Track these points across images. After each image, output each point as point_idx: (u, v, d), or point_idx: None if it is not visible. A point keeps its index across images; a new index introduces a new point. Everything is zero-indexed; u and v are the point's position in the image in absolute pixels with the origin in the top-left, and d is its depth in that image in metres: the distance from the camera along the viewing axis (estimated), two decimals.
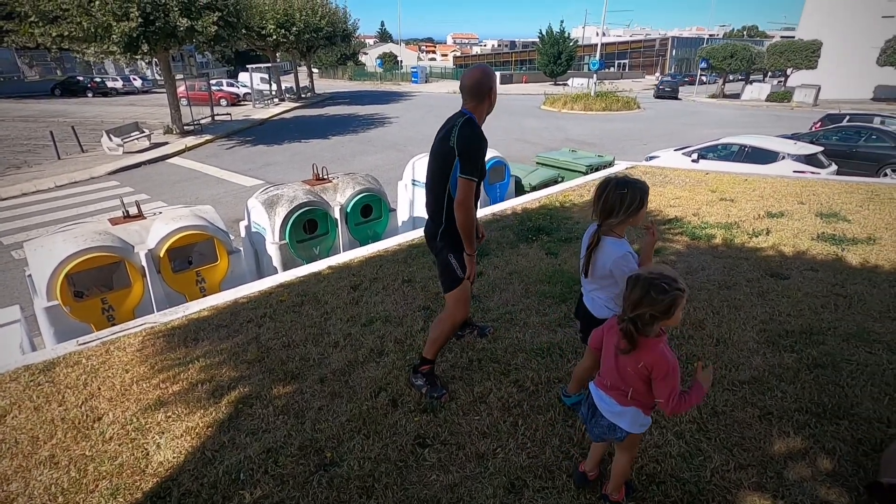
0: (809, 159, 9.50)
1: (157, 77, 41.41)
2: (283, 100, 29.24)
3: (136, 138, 15.82)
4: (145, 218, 4.56)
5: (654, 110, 26.00)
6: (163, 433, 2.50)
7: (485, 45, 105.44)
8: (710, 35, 62.31)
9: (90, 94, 33.67)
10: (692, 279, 3.98)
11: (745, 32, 76.36)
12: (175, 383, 2.93)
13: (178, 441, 2.43)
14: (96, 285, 4.26)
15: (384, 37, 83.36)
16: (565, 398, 2.53)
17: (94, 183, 12.19)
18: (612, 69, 53.16)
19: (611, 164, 9.07)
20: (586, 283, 2.22)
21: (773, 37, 58.54)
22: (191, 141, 16.88)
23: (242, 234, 5.65)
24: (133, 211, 4.63)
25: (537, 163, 9.19)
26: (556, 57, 41.94)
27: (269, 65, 27.80)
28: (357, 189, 5.56)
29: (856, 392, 2.51)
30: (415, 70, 48.87)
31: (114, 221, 4.49)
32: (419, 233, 5.56)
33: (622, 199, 1.97)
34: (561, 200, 6.56)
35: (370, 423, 2.47)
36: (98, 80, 35.19)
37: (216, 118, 21.25)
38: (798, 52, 29.24)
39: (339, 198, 5.56)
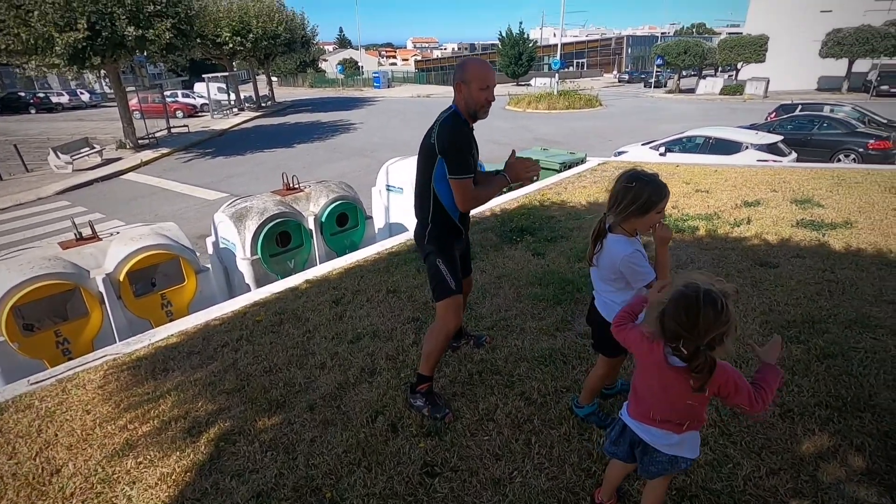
0: (771, 148, 9.78)
1: (107, 90, 39.65)
2: (242, 109, 28.42)
3: (87, 155, 14.97)
4: (101, 239, 4.19)
5: (616, 107, 26.52)
6: (134, 483, 2.20)
7: (445, 49, 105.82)
8: (662, 33, 64.36)
9: (33, 111, 31.90)
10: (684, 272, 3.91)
11: (694, 30, 79.29)
12: (145, 422, 2.62)
13: (153, 491, 2.14)
14: (48, 316, 3.87)
15: (343, 43, 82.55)
16: (577, 409, 2.37)
17: (41, 204, 11.43)
18: (571, 68, 54.14)
19: (583, 161, 9.08)
20: (598, 285, 2.07)
21: (720, 33, 60.90)
22: (146, 155, 16.12)
23: (210, 250, 5.30)
24: (87, 232, 4.23)
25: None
26: (517, 58, 42.39)
27: (227, 74, 26.97)
28: (331, 197, 5.30)
29: (870, 381, 2.45)
30: (376, 75, 48.49)
31: (65, 245, 4.09)
32: (398, 240, 5.34)
33: (626, 192, 1.79)
34: (540, 199, 6.46)
35: (370, 453, 2.24)
36: (41, 95, 33.37)
37: (172, 131, 20.40)
38: (747, 47, 30.44)
39: (313, 207, 5.28)
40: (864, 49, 25.92)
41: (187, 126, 21.75)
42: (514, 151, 2.47)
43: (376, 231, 6.59)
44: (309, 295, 4.14)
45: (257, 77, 31.83)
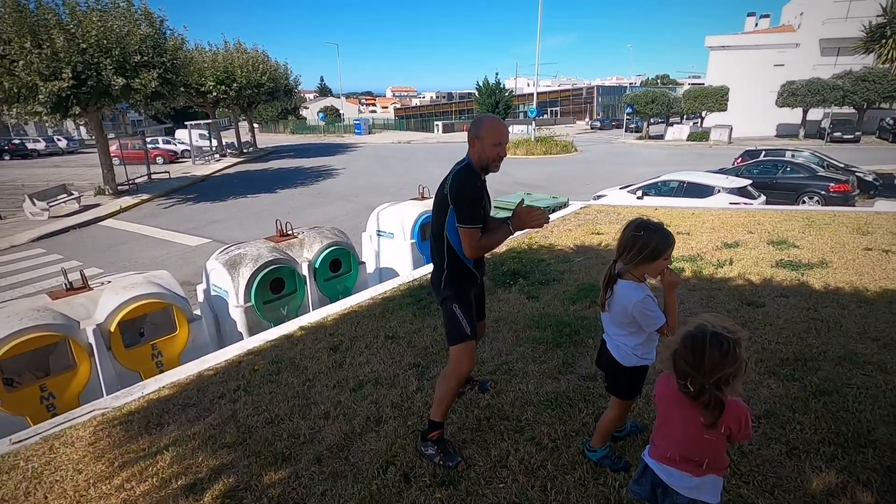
0: (741, 191, 10.27)
1: (85, 137, 39.48)
2: (224, 155, 28.55)
3: (64, 201, 14.73)
4: (92, 289, 4.10)
5: (591, 152, 27.59)
6: None
7: (423, 97, 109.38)
8: (630, 83, 68.05)
9: (7, 157, 31.39)
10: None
11: (658, 80, 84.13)
12: (143, 481, 2.51)
13: None
14: (30, 370, 3.72)
15: (324, 91, 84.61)
16: (590, 453, 2.37)
17: (14, 252, 11.10)
18: (546, 116, 56.43)
19: (566, 205, 9.36)
20: (610, 329, 2.13)
21: (683, 84, 64.81)
22: (126, 201, 15.96)
23: (200, 298, 5.22)
24: (77, 282, 4.15)
25: (495, 206, 9.32)
26: (493, 106, 44.03)
27: (209, 121, 27.24)
28: (325, 243, 5.33)
29: (867, 417, 2.53)
30: (358, 122, 49.61)
31: (55, 295, 3.99)
32: (391, 284, 5.36)
33: (634, 241, 1.89)
34: (528, 243, 6.61)
35: None
36: (17, 141, 32.97)
37: (153, 177, 20.31)
38: (709, 97, 32.38)
39: (307, 253, 5.30)
40: (816, 99, 27.86)
41: (168, 172, 21.71)
42: (522, 200, 2.56)
43: (368, 276, 6.60)
44: (305, 342, 4.09)
45: (239, 123, 32.21)
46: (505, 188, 15.79)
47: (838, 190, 11.69)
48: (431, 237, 2.48)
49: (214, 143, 28.20)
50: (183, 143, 29.05)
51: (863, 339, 3.36)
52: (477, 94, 46.17)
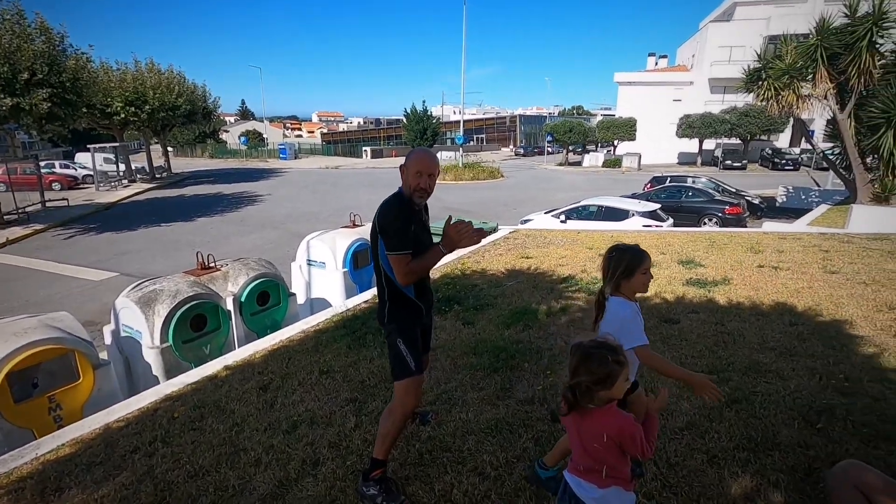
0: (652, 215, 11.17)
1: None
2: (133, 181, 26.55)
3: None
4: None
5: (515, 178, 28.79)
6: None
7: (351, 122, 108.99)
8: (549, 113, 72.36)
9: None
10: None
11: (574, 111, 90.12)
12: None
13: None
14: None
15: (246, 114, 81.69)
16: (540, 469, 2.36)
17: None
18: (472, 143, 58.27)
19: (495, 230, 9.64)
20: None
21: (596, 115, 69.99)
22: (15, 232, 14.28)
23: (108, 340, 4.73)
24: None
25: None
26: (422, 133, 44.87)
27: (116, 144, 25.26)
28: (251, 276, 5.08)
29: (772, 421, 2.80)
30: (283, 146, 48.27)
31: None
32: (323, 316, 5.20)
33: (610, 261, 2.10)
34: (461, 268, 6.70)
35: None
36: None
37: (48, 204, 18.40)
38: (620, 128, 35.27)
39: (231, 287, 5.00)
40: (709, 131, 31.21)
41: (66, 199, 19.75)
42: (450, 217, 2.43)
43: (298, 308, 6.35)
44: (231, 383, 3.83)
45: (151, 147, 30.16)
46: (434, 212, 15.92)
47: (732, 213, 13.07)
48: (374, 270, 2.45)
49: (122, 167, 26.14)
50: (84, 167, 26.62)
51: (763, 350, 3.73)
52: (405, 120, 46.89)
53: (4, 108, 12.45)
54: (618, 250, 2.10)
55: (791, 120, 21.29)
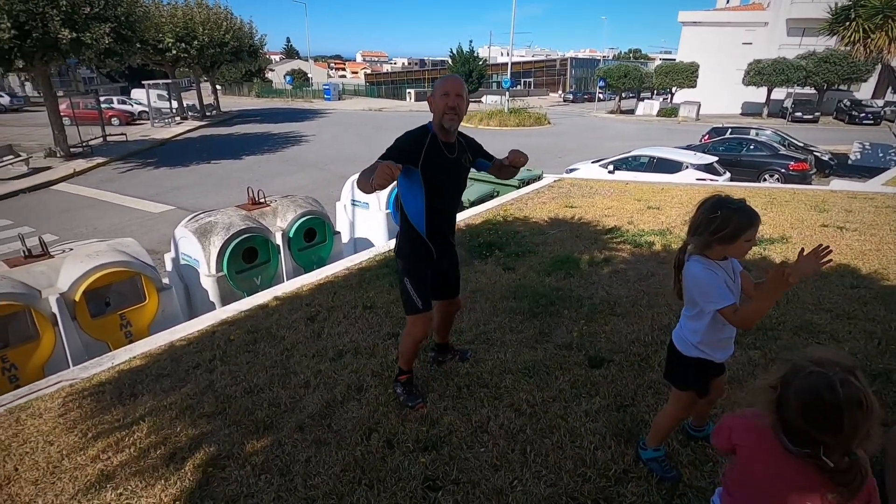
0: (708, 168, 10.56)
1: (31, 93, 36.80)
2: (185, 118, 27.24)
3: (11, 163, 13.81)
4: (52, 257, 3.91)
5: (563, 125, 27.67)
6: None
7: (395, 63, 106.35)
8: (603, 56, 67.99)
9: None
10: (646, 285, 4.17)
11: (631, 55, 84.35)
12: (120, 451, 2.47)
13: None
14: None
15: (291, 53, 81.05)
16: (641, 450, 2.20)
17: None
18: (519, 87, 55.95)
19: (539, 178, 9.41)
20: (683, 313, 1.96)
21: (654, 59, 65.20)
22: (80, 164, 15.10)
23: (169, 267, 5.06)
24: (36, 249, 3.94)
25: (471, 178, 9.29)
26: (467, 75, 43.21)
27: (168, 81, 25.79)
28: (299, 212, 5.22)
29: None
30: (327, 87, 47.98)
31: (11, 262, 3.79)
32: (366, 255, 5.33)
33: (710, 222, 1.68)
34: (503, 215, 6.65)
35: (369, 470, 2.24)
36: None
37: (108, 139, 19.25)
38: (680, 73, 32.78)
39: (280, 222, 5.18)
40: (780, 79, 28.58)
41: (125, 134, 20.58)
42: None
43: (342, 246, 6.53)
44: (281, 312, 4.05)
45: (201, 85, 30.64)
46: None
47: (797, 168, 12.17)
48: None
49: (175, 104, 26.80)
50: (140, 103, 27.45)
51: (818, 311, 3.57)
52: (450, 62, 45.20)
53: (65, 40, 12.81)
54: (725, 208, 1.66)
55: (878, 67, 19.16)
